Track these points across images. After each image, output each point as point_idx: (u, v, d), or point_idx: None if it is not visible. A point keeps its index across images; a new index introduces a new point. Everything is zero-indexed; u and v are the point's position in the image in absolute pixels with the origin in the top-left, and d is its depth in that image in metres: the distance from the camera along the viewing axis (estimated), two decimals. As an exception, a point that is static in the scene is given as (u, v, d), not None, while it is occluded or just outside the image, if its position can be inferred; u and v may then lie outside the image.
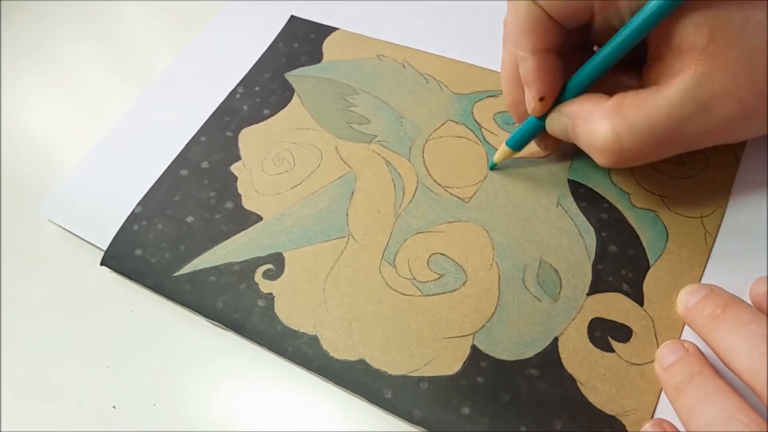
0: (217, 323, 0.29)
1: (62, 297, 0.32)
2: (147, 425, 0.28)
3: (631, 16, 0.25)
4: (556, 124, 0.28)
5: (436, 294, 0.29)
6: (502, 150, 0.31)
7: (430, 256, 0.30)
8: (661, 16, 0.24)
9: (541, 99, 0.28)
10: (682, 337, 0.26)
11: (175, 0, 0.42)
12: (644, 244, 0.29)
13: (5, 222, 0.35)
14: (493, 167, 0.32)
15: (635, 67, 0.28)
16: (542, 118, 0.29)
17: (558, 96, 0.28)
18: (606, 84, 0.27)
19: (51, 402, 0.29)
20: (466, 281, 0.29)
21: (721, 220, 0.29)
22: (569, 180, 0.31)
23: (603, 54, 0.26)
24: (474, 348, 0.27)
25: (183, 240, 0.31)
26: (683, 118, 0.24)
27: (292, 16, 0.39)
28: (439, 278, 0.29)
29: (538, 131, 0.30)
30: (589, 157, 0.31)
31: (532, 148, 0.32)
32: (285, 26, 0.39)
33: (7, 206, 0.35)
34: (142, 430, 0.28)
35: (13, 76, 0.41)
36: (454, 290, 0.29)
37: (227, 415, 0.28)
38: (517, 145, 0.30)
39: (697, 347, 0.25)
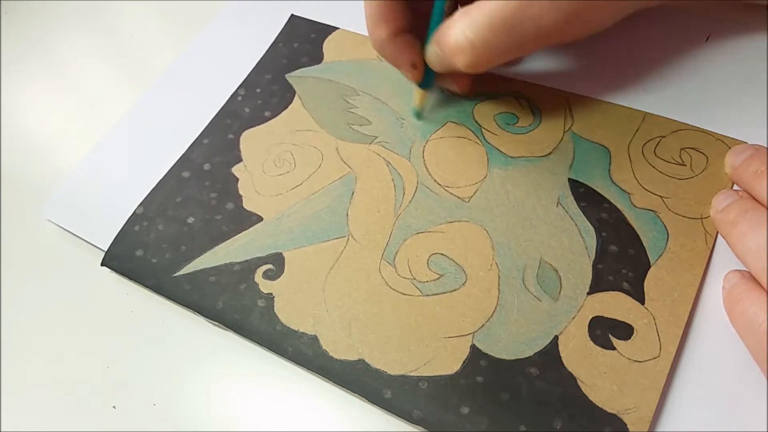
0: (217, 323, 0.29)
1: (62, 297, 0.32)
2: (147, 425, 0.28)
3: None
4: (431, 58, 0.31)
5: (436, 294, 0.29)
6: (416, 93, 0.33)
7: (429, 256, 0.30)
8: None
9: (414, 66, 0.31)
10: (679, 338, 0.26)
11: (175, 0, 0.42)
12: (645, 244, 0.28)
13: (5, 222, 0.35)
14: (419, 117, 0.34)
15: None
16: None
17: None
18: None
19: (51, 402, 0.29)
20: (465, 281, 0.29)
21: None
22: (569, 179, 0.31)
23: None
24: (473, 347, 0.27)
25: (183, 240, 0.31)
26: (519, 5, 0.27)
27: (292, 15, 0.39)
28: (438, 278, 0.29)
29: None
30: (590, 156, 0.31)
31: (531, 146, 0.32)
32: (285, 26, 0.39)
33: (7, 206, 0.36)
34: (142, 430, 0.28)
35: (13, 75, 0.41)
36: (454, 290, 0.29)
37: (227, 415, 0.28)
38: (426, 84, 0.33)
39: (748, 194, 0.28)
